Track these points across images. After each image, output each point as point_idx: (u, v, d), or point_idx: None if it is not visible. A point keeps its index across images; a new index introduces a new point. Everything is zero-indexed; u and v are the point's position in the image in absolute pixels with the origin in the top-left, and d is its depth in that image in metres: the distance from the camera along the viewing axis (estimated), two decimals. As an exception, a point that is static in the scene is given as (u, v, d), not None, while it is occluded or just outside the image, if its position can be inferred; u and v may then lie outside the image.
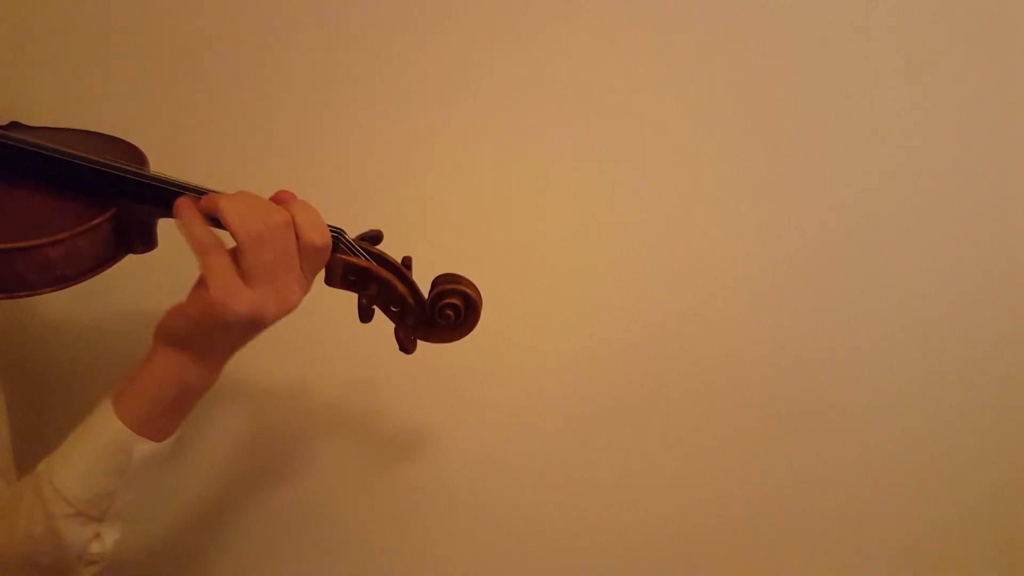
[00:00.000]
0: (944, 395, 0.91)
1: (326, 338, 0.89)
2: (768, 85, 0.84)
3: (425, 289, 0.64)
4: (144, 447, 0.56)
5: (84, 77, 0.86)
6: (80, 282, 0.56)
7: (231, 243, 0.54)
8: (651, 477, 0.94)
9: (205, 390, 0.58)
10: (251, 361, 0.90)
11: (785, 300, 0.89)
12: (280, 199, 0.58)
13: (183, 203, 0.55)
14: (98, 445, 0.56)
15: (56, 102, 0.86)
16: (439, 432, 0.93)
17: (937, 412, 0.91)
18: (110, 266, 0.58)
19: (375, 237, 0.65)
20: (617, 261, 0.89)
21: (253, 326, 0.54)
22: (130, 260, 0.60)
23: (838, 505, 0.94)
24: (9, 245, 0.52)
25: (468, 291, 0.62)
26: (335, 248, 0.60)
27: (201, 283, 0.54)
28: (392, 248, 0.64)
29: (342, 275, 0.61)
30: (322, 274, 0.61)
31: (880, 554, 0.96)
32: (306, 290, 0.57)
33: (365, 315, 0.61)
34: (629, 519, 0.95)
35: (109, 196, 0.57)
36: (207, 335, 0.55)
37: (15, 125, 0.66)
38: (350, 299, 0.63)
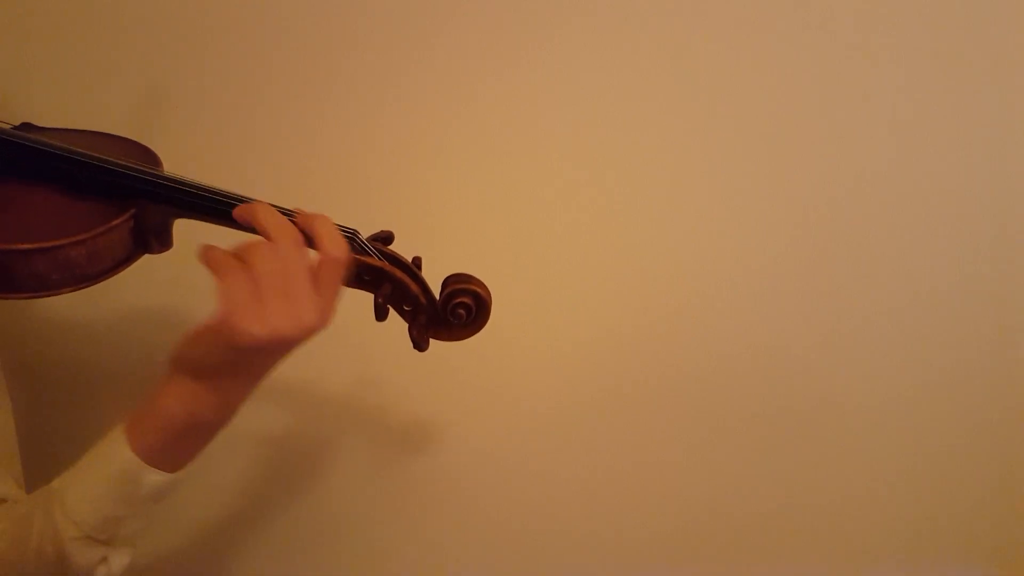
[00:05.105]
0: (941, 393, 0.92)
1: (333, 335, 0.88)
2: (768, 86, 0.85)
3: (435, 288, 0.66)
4: (154, 477, 0.55)
5: (87, 78, 0.86)
6: (99, 282, 0.57)
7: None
8: (654, 474, 0.95)
9: (222, 424, 0.57)
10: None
11: (785, 300, 0.90)
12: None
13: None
14: (108, 473, 0.55)
15: (60, 104, 0.85)
16: (444, 429, 0.94)
17: (934, 410, 0.92)
18: (128, 266, 0.59)
19: (387, 238, 0.66)
20: (620, 260, 0.89)
21: (269, 351, 0.52)
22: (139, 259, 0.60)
23: (839, 502, 0.95)
24: (31, 246, 0.52)
25: (479, 290, 0.64)
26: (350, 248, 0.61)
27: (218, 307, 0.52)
28: (400, 246, 0.65)
29: (357, 275, 0.62)
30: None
31: (878, 552, 0.97)
32: (324, 310, 0.54)
33: (380, 313, 0.62)
34: (631, 515, 0.96)
35: (128, 197, 0.57)
36: (221, 361, 0.53)
37: (27, 126, 0.66)
38: (357, 298, 0.63)
